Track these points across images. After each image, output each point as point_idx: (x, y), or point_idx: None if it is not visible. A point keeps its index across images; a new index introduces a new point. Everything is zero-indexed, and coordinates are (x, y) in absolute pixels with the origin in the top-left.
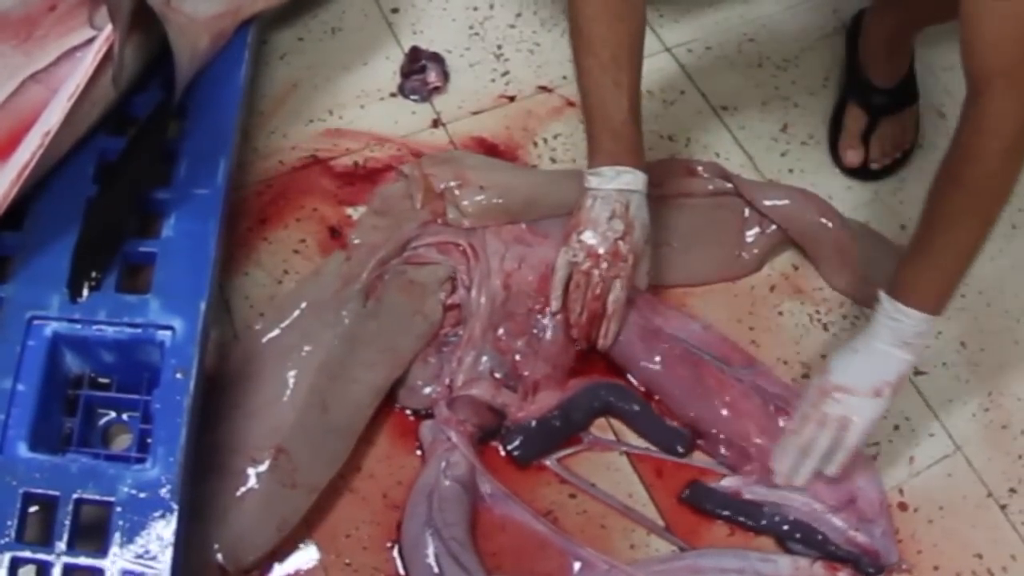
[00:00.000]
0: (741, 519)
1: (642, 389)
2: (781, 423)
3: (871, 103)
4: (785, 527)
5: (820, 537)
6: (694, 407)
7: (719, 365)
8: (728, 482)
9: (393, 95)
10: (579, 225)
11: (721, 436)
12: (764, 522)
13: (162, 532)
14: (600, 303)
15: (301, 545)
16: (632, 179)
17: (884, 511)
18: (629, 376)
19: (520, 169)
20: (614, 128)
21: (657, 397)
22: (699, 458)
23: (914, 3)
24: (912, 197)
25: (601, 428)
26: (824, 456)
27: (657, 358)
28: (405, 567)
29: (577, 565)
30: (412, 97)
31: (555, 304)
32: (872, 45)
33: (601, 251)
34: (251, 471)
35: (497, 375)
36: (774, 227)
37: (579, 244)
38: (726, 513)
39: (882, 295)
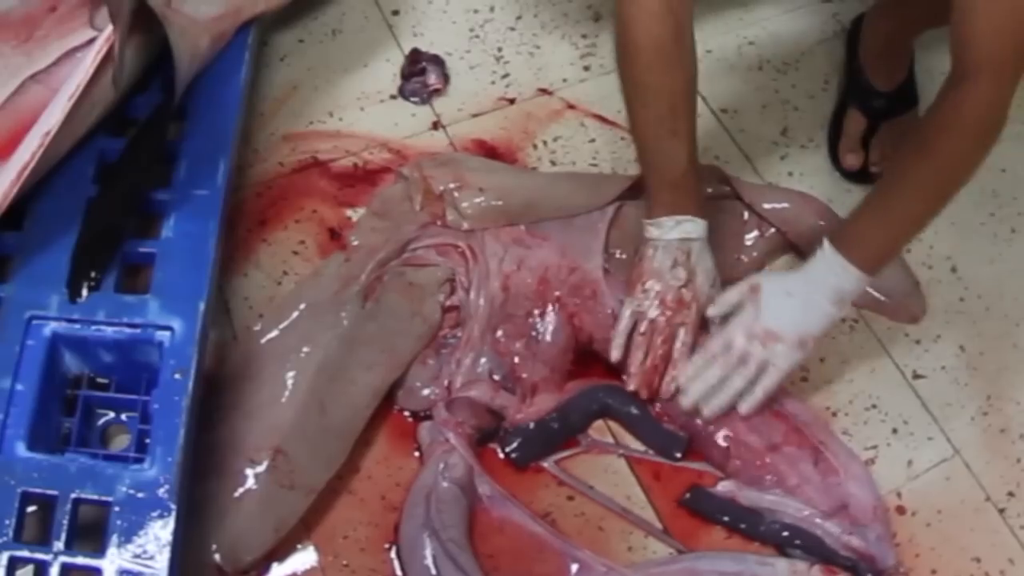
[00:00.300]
0: (740, 525)
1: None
2: (764, 423)
3: (871, 107)
4: (784, 533)
5: (818, 542)
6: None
7: None
8: (724, 486)
9: (393, 97)
10: (643, 276)
11: (708, 433)
12: (762, 528)
13: (160, 532)
14: (667, 350)
15: (299, 546)
16: (692, 227)
17: (878, 515)
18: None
19: (519, 171)
20: (673, 179)
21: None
22: (696, 461)
23: (913, 7)
24: None
25: (599, 431)
26: (736, 393)
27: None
28: (403, 568)
29: (575, 567)
30: (412, 99)
31: (616, 353)
32: (872, 49)
33: (667, 299)
34: (249, 472)
35: (496, 377)
36: (773, 230)
37: (644, 294)
38: (725, 518)
39: (827, 245)
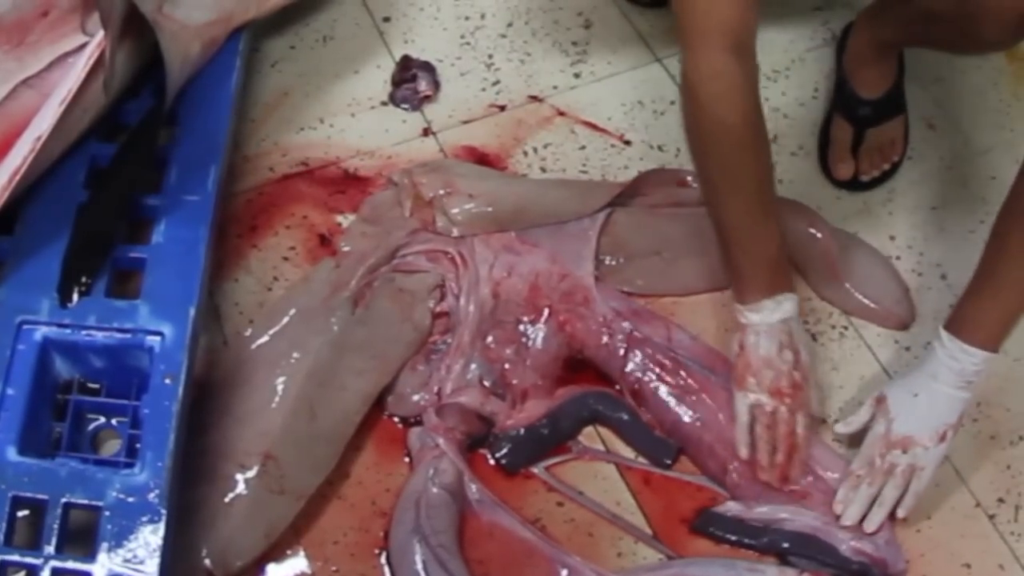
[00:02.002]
0: (750, 542)
1: (630, 400)
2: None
3: (856, 115)
4: (792, 544)
5: (830, 551)
6: (679, 414)
7: (705, 374)
8: (732, 507)
9: (384, 104)
10: (751, 365)
11: (705, 444)
12: (770, 542)
13: (150, 537)
14: (794, 438)
15: (289, 551)
16: (791, 305)
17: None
18: (617, 386)
19: (509, 178)
20: (769, 260)
21: (643, 407)
22: (686, 469)
23: (895, 17)
24: (902, 208)
25: (589, 438)
26: (893, 504)
27: (643, 365)
28: (393, 574)
29: (564, 573)
30: (403, 106)
31: (744, 451)
32: (856, 57)
33: (782, 386)
34: (239, 477)
35: (486, 383)
36: None
37: (758, 385)
38: (733, 538)
39: (943, 334)
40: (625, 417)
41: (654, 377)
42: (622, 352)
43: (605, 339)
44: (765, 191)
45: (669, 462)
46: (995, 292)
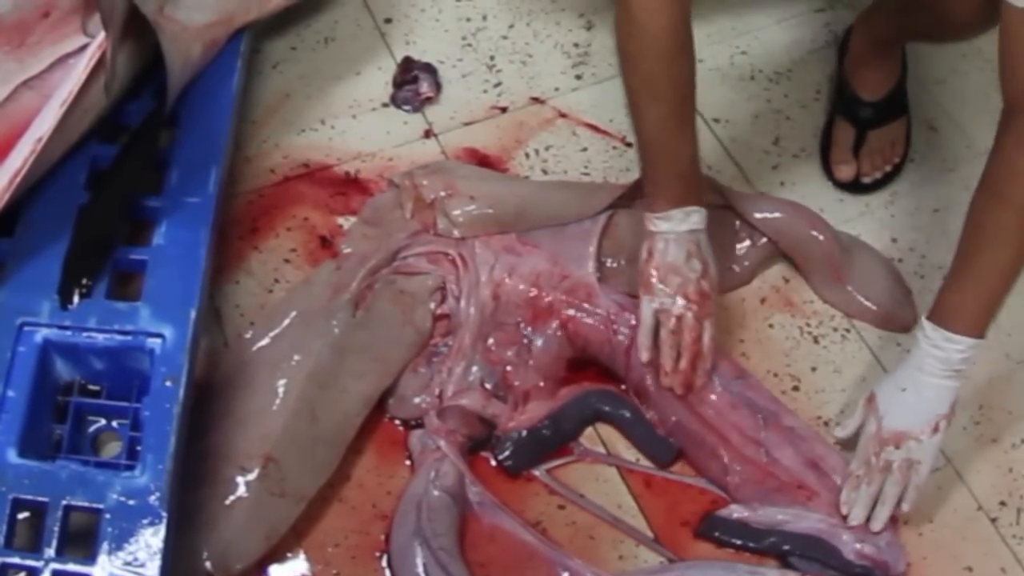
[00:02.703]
0: (756, 546)
1: (633, 398)
2: (763, 435)
3: (858, 116)
4: (796, 547)
5: (833, 554)
6: (681, 414)
7: (708, 374)
8: (736, 509)
9: (385, 105)
10: (658, 271)
11: (707, 445)
12: (774, 545)
13: (151, 539)
14: (699, 345)
15: (290, 554)
16: (699, 218)
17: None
18: (622, 384)
19: (511, 179)
20: (682, 172)
21: (646, 405)
22: (688, 471)
23: (894, 18)
24: (903, 210)
25: (591, 440)
26: (896, 500)
27: (647, 363)
28: None
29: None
30: (404, 107)
31: (645, 355)
32: (857, 58)
33: (689, 292)
34: (240, 479)
35: (487, 385)
36: (765, 240)
37: (664, 290)
38: (738, 542)
39: (926, 323)
40: (628, 415)
41: (656, 376)
42: (626, 348)
43: (609, 335)
44: (684, 105)
45: (668, 461)
46: (975, 277)
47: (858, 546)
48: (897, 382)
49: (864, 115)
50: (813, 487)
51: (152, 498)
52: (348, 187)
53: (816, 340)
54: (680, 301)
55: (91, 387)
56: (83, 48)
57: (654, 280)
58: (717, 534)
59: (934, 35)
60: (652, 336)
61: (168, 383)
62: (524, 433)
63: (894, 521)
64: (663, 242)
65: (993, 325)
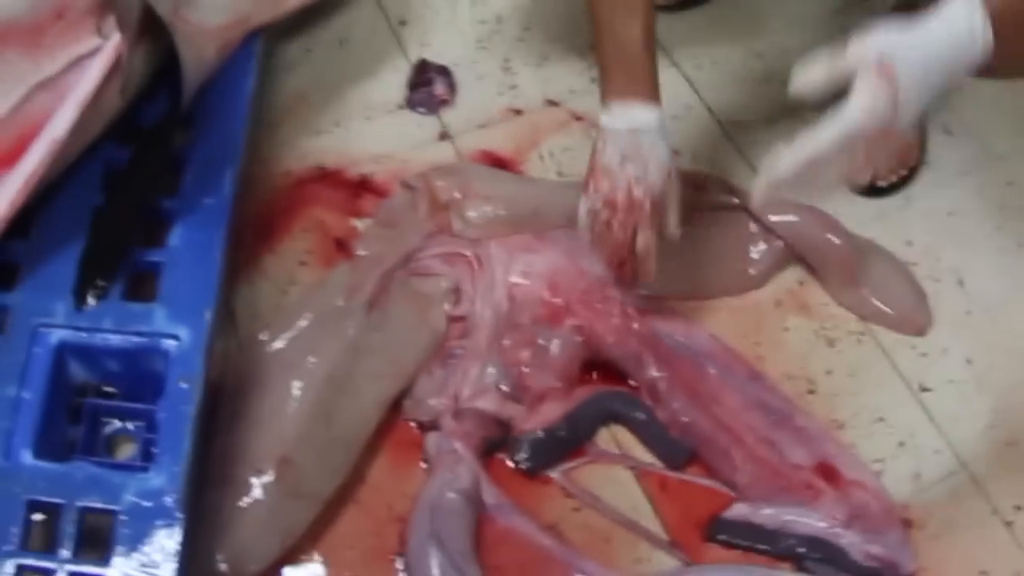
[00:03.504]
0: (763, 547)
1: (646, 399)
2: (775, 435)
3: None
4: (804, 548)
5: (842, 554)
6: (694, 415)
7: (722, 374)
8: (738, 509)
9: (400, 107)
10: (594, 171)
11: (719, 447)
12: (783, 547)
13: (166, 541)
14: (626, 250)
15: (305, 556)
16: (643, 116)
17: (895, 521)
18: (632, 383)
19: (525, 180)
20: (626, 59)
21: (659, 406)
22: (703, 472)
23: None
24: (918, 214)
25: (605, 441)
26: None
27: (660, 363)
28: None
29: None
30: (419, 110)
31: (589, 245)
32: None
33: (617, 199)
34: (255, 481)
35: (503, 387)
36: (780, 243)
37: (596, 193)
38: (746, 543)
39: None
40: (641, 416)
41: (670, 376)
42: (639, 350)
43: (623, 337)
44: None
45: (682, 463)
46: None
47: (865, 547)
48: (921, 58)
49: None
50: (820, 487)
51: (168, 500)
52: (363, 189)
53: (831, 343)
54: (606, 208)
55: (106, 388)
56: (98, 49)
57: (589, 181)
58: (723, 536)
59: None
60: (588, 234)
61: (183, 384)
62: (540, 434)
63: (906, 523)
64: (603, 140)
65: (1007, 328)
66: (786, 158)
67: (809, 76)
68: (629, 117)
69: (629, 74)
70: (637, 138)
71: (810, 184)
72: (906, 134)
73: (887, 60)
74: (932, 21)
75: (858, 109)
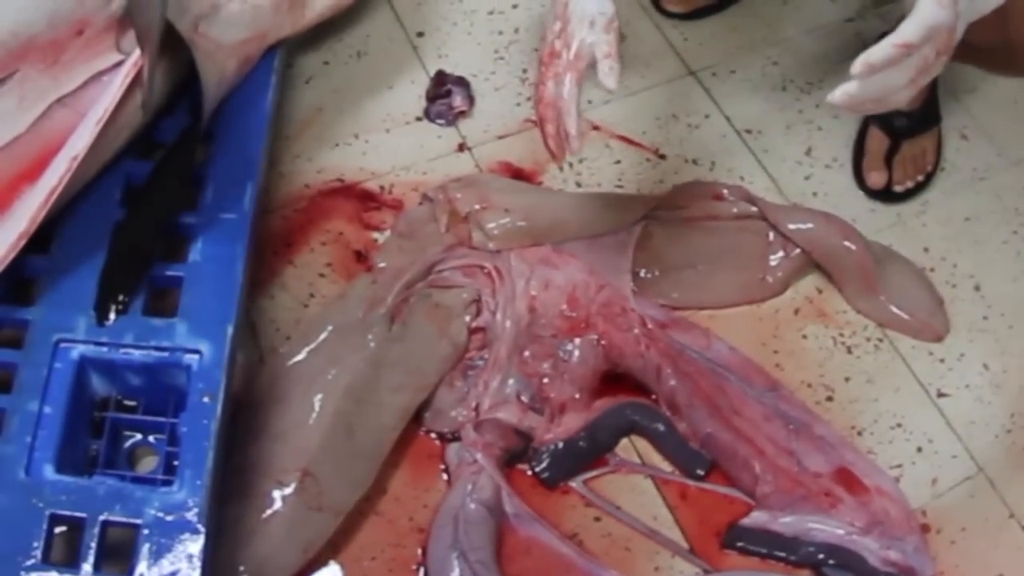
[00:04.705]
0: (781, 554)
1: (666, 411)
2: (794, 445)
3: (893, 126)
4: (822, 555)
5: (859, 560)
6: (713, 425)
7: (741, 386)
8: (757, 516)
9: (419, 119)
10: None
11: (739, 457)
12: (801, 554)
13: (189, 554)
14: (547, 108)
15: (326, 568)
16: None
17: (913, 527)
18: (652, 394)
19: (545, 192)
20: None
21: (679, 418)
22: (722, 482)
23: None
24: (935, 220)
25: (626, 451)
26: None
27: (680, 375)
28: None
29: None
30: (438, 121)
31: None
32: None
33: (544, 54)
34: (277, 494)
35: (523, 398)
36: (798, 250)
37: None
38: (763, 551)
39: None
40: (661, 428)
41: (690, 388)
42: (659, 362)
43: (642, 349)
44: None
45: (702, 473)
46: None
47: (884, 552)
48: None
49: (899, 124)
50: (838, 494)
51: (190, 513)
52: (382, 201)
53: (849, 350)
54: (541, 66)
55: (127, 403)
56: (117, 65)
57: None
58: (741, 544)
59: (993, 70)
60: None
61: (206, 399)
62: (561, 445)
63: (924, 528)
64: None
65: (1023, 334)
66: (878, 49)
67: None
68: None
69: None
70: None
71: (884, 87)
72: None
73: None
74: None
75: (931, 3)
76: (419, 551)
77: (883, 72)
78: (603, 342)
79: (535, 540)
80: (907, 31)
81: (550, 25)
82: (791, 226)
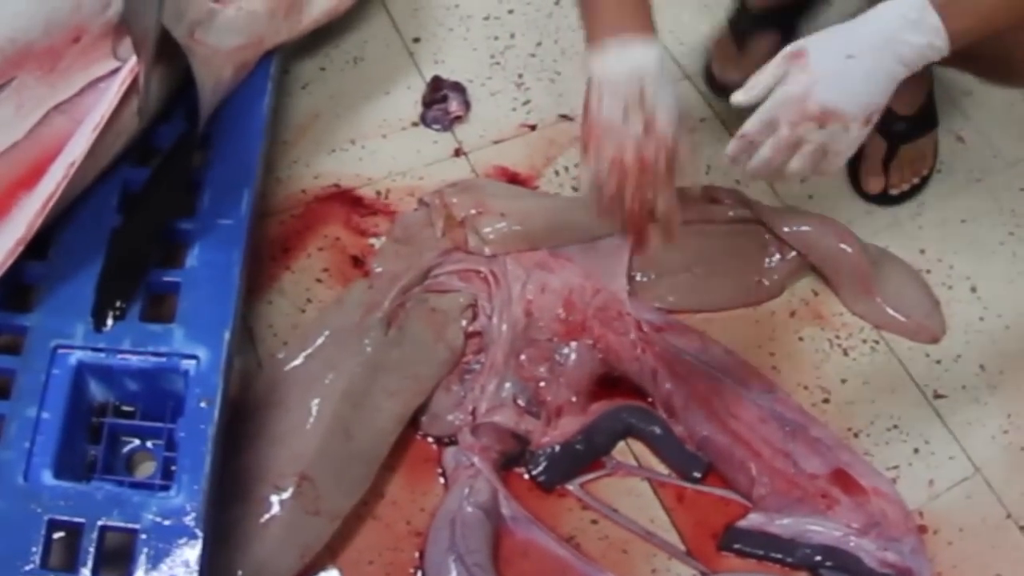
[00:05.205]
0: (778, 556)
1: (662, 414)
2: (791, 447)
3: (891, 130)
4: (819, 557)
5: (855, 561)
6: (710, 428)
7: (737, 389)
8: (754, 518)
9: (415, 124)
10: (592, 131)
11: (736, 459)
12: (798, 555)
13: (187, 559)
14: (643, 219)
15: (324, 572)
16: (644, 55)
17: (910, 528)
18: (650, 399)
19: (541, 196)
20: None
21: (675, 421)
22: (719, 485)
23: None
24: (931, 222)
25: (622, 453)
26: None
27: (676, 379)
28: None
29: None
30: (434, 126)
31: (596, 215)
32: None
33: (626, 161)
34: (275, 498)
35: (520, 402)
36: (794, 253)
37: (599, 157)
38: (760, 552)
39: None
40: (657, 431)
41: (686, 391)
42: (655, 365)
43: (639, 352)
44: None
45: (698, 476)
46: None
47: (881, 554)
48: (844, 46)
49: (898, 129)
50: (835, 496)
51: (188, 518)
52: (379, 207)
53: (846, 352)
54: (614, 173)
55: (125, 408)
56: (114, 72)
57: (589, 143)
58: (738, 546)
59: (989, 79)
60: (596, 207)
61: (203, 404)
62: (557, 448)
63: (921, 530)
64: (598, 92)
65: (1020, 334)
66: (732, 141)
67: (756, 90)
68: (628, 57)
69: (622, 7)
70: (639, 83)
71: (768, 169)
72: (860, 133)
73: (798, 49)
74: (860, 17)
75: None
76: (416, 555)
77: (757, 155)
78: (599, 346)
79: (532, 543)
80: (746, 123)
81: (620, 122)
82: (787, 229)
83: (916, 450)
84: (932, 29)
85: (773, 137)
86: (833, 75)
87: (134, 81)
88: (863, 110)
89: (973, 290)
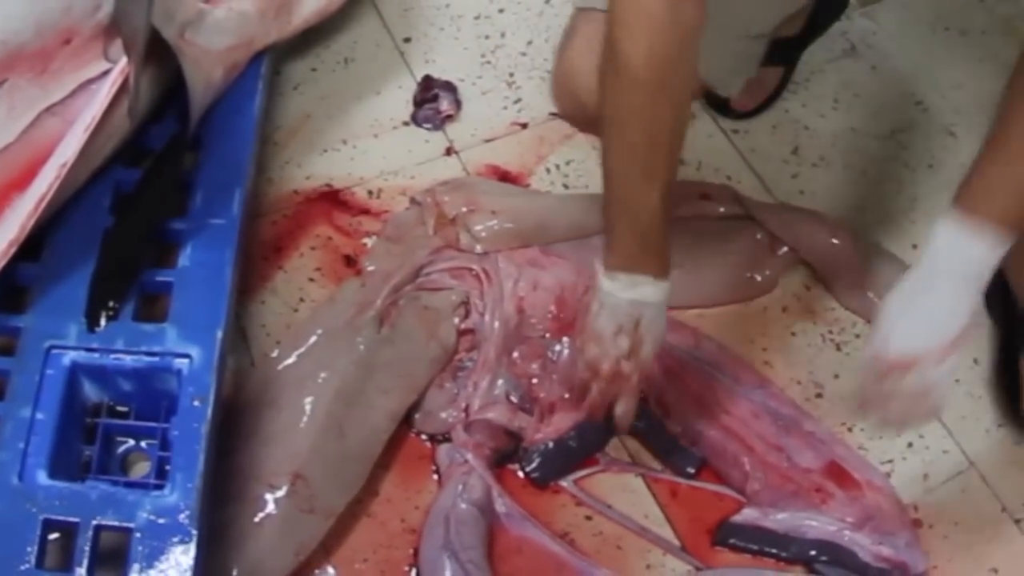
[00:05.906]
0: (772, 551)
1: (655, 409)
2: (784, 441)
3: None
4: (814, 551)
5: (851, 556)
6: (703, 424)
7: (730, 384)
8: (748, 513)
9: (406, 124)
10: (583, 332)
11: (729, 454)
12: (793, 550)
13: (181, 558)
14: (602, 412)
15: (319, 570)
16: (651, 291)
17: (905, 522)
18: (643, 395)
19: (532, 194)
20: (639, 230)
21: (668, 416)
22: (713, 480)
23: None
24: (923, 217)
25: (616, 449)
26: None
27: (669, 374)
28: None
29: None
30: (425, 126)
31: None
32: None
33: (602, 368)
34: (269, 497)
35: (513, 398)
36: (786, 248)
37: (580, 355)
38: (755, 547)
39: (953, 215)
40: (651, 426)
41: (679, 386)
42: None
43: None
44: (657, 152)
45: (692, 471)
46: (1008, 161)
47: (876, 548)
48: (906, 295)
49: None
50: (829, 490)
51: (182, 517)
52: (371, 205)
53: (838, 347)
54: (589, 370)
55: (119, 408)
56: (105, 73)
57: (578, 338)
58: (732, 541)
59: None
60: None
61: (196, 403)
62: (551, 444)
63: (916, 523)
64: (599, 305)
65: None
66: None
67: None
68: (635, 291)
69: (641, 245)
70: (638, 311)
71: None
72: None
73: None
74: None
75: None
76: (411, 552)
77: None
78: None
79: (526, 539)
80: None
81: (611, 337)
82: (779, 225)
83: (910, 444)
84: (981, 239)
85: (867, 402)
86: (901, 326)
87: (125, 82)
88: (939, 345)
89: None
